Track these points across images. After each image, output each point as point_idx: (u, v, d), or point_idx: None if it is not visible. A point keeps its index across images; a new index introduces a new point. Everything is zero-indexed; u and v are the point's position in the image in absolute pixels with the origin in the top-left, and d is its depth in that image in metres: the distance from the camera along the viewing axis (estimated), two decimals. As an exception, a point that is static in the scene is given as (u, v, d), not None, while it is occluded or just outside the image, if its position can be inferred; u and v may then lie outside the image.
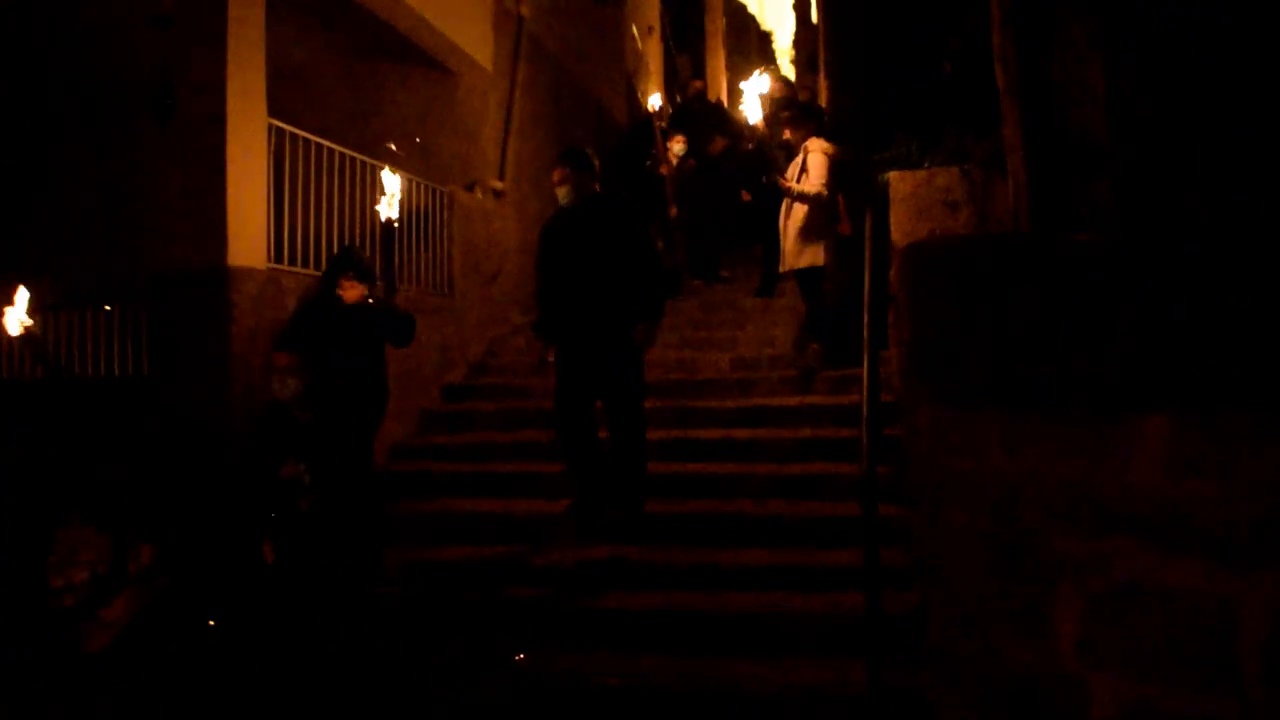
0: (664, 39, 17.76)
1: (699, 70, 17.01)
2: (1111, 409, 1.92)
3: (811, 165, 6.85)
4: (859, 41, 7.94)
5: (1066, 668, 1.98)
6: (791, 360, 7.37)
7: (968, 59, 5.48)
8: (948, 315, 2.44)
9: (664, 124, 9.66)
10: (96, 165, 5.90)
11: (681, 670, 4.19)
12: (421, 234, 7.68)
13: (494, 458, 6.56)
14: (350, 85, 9.19)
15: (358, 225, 6.50)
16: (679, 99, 14.00)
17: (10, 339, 4.66)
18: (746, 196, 9.18)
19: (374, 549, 5.31)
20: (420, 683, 4.35)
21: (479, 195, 8.87)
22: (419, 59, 8.87)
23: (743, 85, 6.68)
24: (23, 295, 4.52)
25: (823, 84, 9.65)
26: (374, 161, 6.87)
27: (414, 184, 7.41)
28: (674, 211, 9.23)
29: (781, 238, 7.09)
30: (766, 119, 7.79)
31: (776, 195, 7.08)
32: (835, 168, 6.84)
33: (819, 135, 7.00)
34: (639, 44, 15.14)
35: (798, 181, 6.87)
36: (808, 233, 6.85)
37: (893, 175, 6.05)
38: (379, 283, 5.31)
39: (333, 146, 6.58)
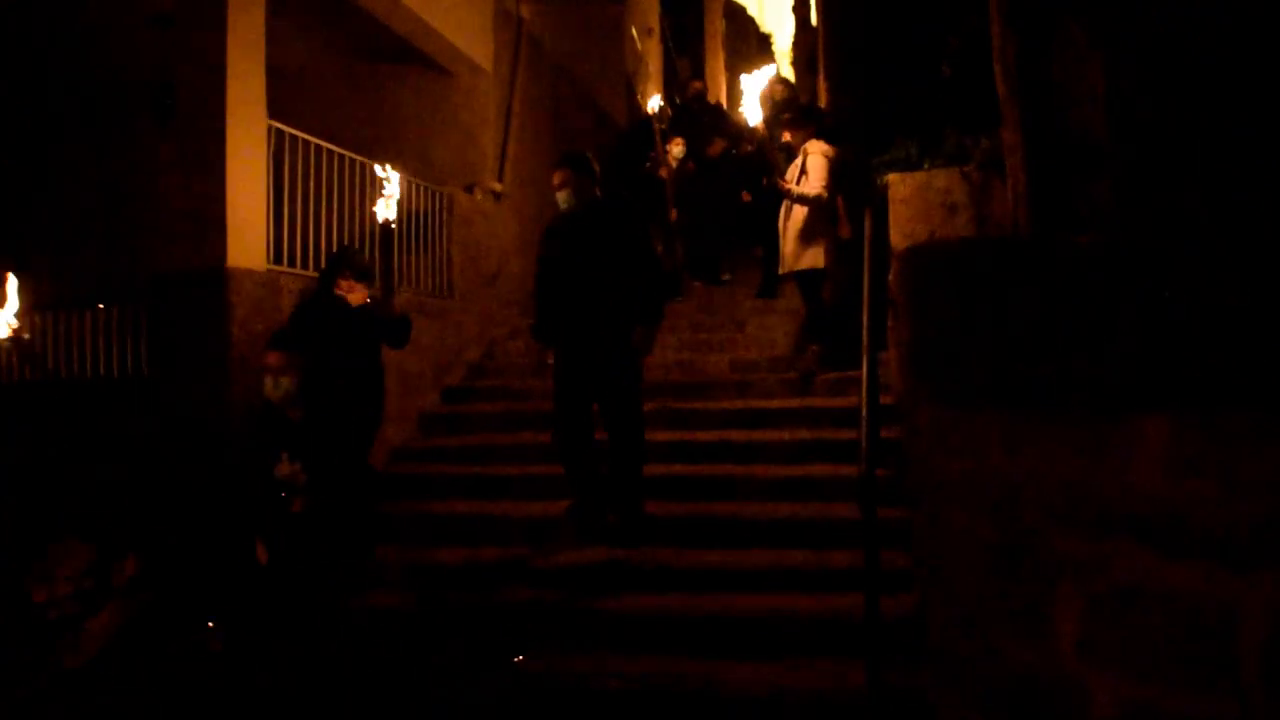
0: (664, 41, 17.76)
1: (699, 72, 17.00)
2: (1111, 409, 1.92)
3: (811, 167, 6.85)
4: (858, 43, 7.95)
5: (1066, 668, 1.98)
6: (791, 362, 7.36)
7: (967, 60, 5.49)
8: (947, 316, 2.44)
9: (664, 125, 9.66)
10: (96, 165, 5.91)
11: (681, 671, 4.18)
12: (421, 236, 7.68)
13: (494, 459, 6.56)
14: (349, 86, 9.19)
15: (357, 226, 6.50)
16: (678, 100, 13.98)
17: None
18: (747, 197, 9.17)
19: (367, 549, 5.31)
20: (420, 683, 4.35)
21: (478, 197, 8.87)
22: (418, 60, 8.87)
23: (743, 78, 6.67)
24: (12, 297, 4.51)
25: (822, 86, 9.65)
26: (374, 163, 6.86)
27: (413, 185, 7.41)
28: (674, 214, 9.23)
29: (781, 239, 7.09)
30: (767, 121, 7.79)
31: (776, 197, 7.08)
32: (835, 170, 6.83)
33: (819, 137, 7.00)
34: (639, 45, 15.14)
35: (797, 183, 6.87)
36: (807, 235, 6.84)
37: (892, 177, 6.06)
38: (376, 283, 5.31)
39: (332, 148, 6.58)
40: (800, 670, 4.09)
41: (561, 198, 5.35)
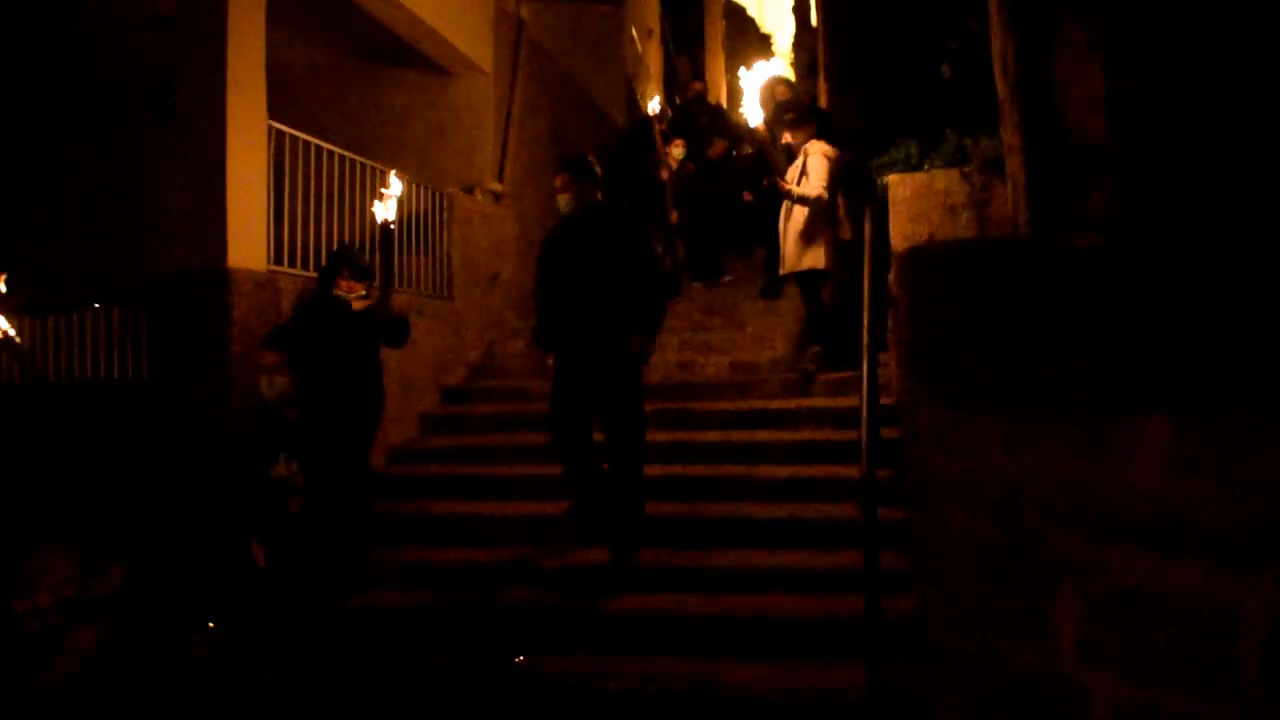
0: (664, 41, 17.77)
1: (698, 72, 17.01)
2: (1111, 409, 1.92)
3: (812, 168, 6.85)
4: (858, 44, 7.95)
5: (1066, 669, 1.98)
6: (791, 363, 7.36)
7: (967, 61, 5.49)
8: (947, 316, 2.44)
9: (664, 127, 9.66)
10: (96, 166, 5.91)
11: (681, 672, 4.18)
12: (421, 236, 7.68)
13: (493, 460, 6.56)
14: (349, 87, 9.20)
15: (357, 227, 6.50)
16: (678, 101, 13.98)
17: None
18: (748, 198, 9.18)
19: (366, 549, 5.31)
20: (420, 683, 4.35)
21: (478, 197, 8.87)
22: (418, 61, 8.88)
23: (741, 72, 6.67)
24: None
25: (822, 86, 9.65)
26: (373, 164, 6.87)
27: (413, 186, 7.41)
28: (674, 216, 9.23)
29: (781, 240, 7.09)
30: (768, 121, 7.79)
31: (777, 197, 7.08)
32: (836, 170, 6.83)
33: (819, 138, 7.00)
34: (638, 46, 15.15)
35: (798, 184, 6.87)
36: (808, 235, 6.84)
37: (892, 178, 6.07)
38: (375, 283, 5.30)
39: (332, 148, 6.58)
40: (800, 671, 4.10)
41: (562, 201, 5.33)
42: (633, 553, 5.03)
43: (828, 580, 4.67)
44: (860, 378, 4.06)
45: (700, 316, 8.78)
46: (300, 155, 6.26)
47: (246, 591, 4.73)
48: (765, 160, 7.11)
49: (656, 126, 9.35)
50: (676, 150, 9.63)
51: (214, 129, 5.58)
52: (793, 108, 8.33)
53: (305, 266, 6.18)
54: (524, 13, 10.11)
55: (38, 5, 6.05)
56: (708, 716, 4.03)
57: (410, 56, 8.78)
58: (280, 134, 6.08)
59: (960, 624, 2.39)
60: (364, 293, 5.30)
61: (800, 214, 6.86)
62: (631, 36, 14.56)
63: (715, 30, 20.19)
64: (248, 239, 5.72)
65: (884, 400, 5.00)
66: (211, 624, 4.72)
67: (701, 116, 10.63)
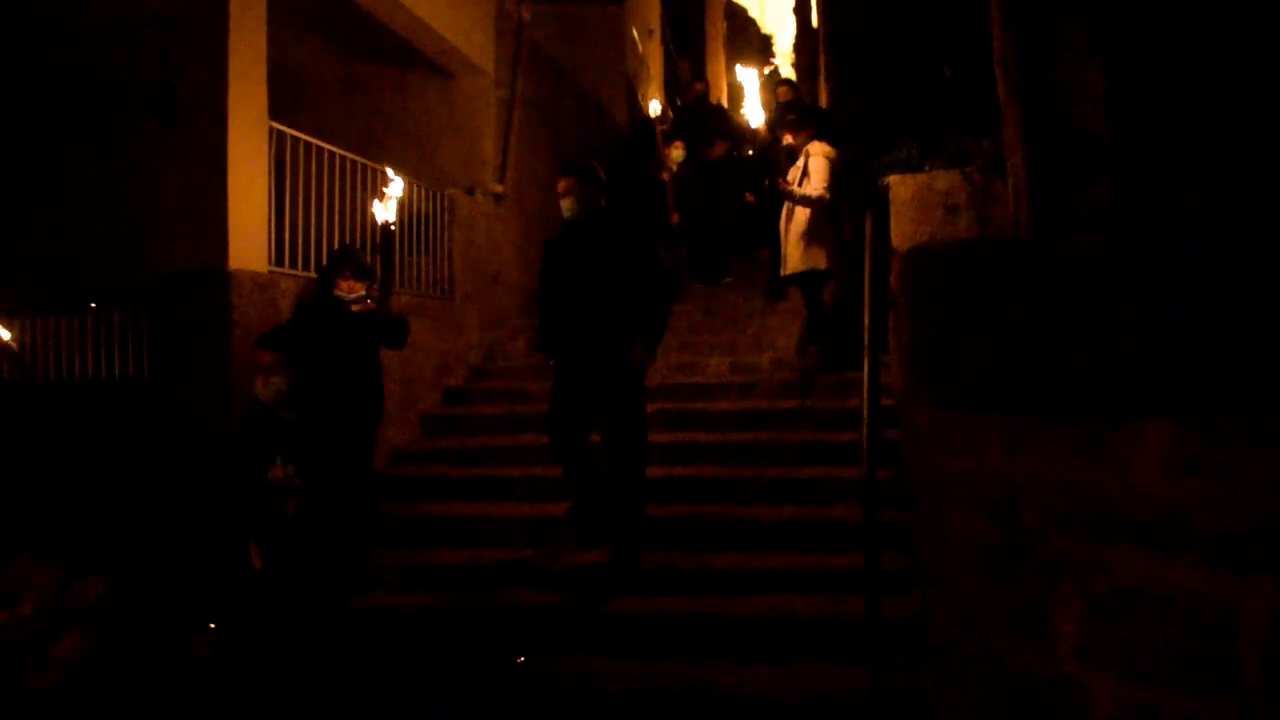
0: (664, 42, 17.77)
1: (699, 73, 17.02)
2: (1111, 410, 1.92)
3: (813, 169, 6.84)
4: (859, 44, 7.94)
5: (1066, 669, 1.98)
6: (792, 364, 7.36)
7: (968, 61, 5.48)
8: (948, 317, 2.44)
9: (665, 128, 9.66)
10: (97, 166, 5.91)
11: (681, 673, 4.18)
12: (422, 237, 7.68)
13: (494, 461, 6.55)
14: (351, 88, 9.20)
15: (358, 228, 6.50)
16: (679, 102, 13.99)
17: None
18: (750, 198, 9.18)
19: (367, 550, 5.31)
20: (420, 683, 4.34)
21: (479, 198, 8.87)
22: (419, 62, 8.88)
23: (738, 68, 6.67)
24: None
25: (823, 87, 9.65)
26: (374, 164, 6.87)
27: (414, 187, 7.41)
28: (675, 218, 9.23)
29: (782, 241, 7.09)
30: (770, 123, 7.79)
31: (778, 198, 7.08)
32: (836, 171, 6.83)
33: (820, 139, 7.00)
34: (639, 47, 15.15)
35: (799, 185, 6.86)
36: (808, 236, 6.84)
37: (893, 179, 6.05)
38: (375, 284, 5.30)
39: (333, 149, 6.58)
40: (801, 671, 4.09)
41: (566, 206, 5.30)
42: (633, 553, 5.03)
43: (828, 581, 4.67)
44: (861, 379, 4.06)
45: (701, 317, 8.78)
46: (301, 156, 6.26)
47: (244, 593, 4.72)
48: (766, 161, 7.11)
49: (658, 128, 9.35)
50: (676, 152, 9.64)
51: (215, 129, 5.58)
52: (794, 108, 8.34)
53: (306, 267, 6.18)
54: (525, 14, 10.10)
55: (38, 5, 6.05)
56: (708, 717, 4.02)
57: (411, 57, 8.78)
58: (281, 135, 6.08)
59: (960, 624, 2.39)
60: (364, 293, 5.29)
61: (801, 215, 6.87)
62: (632, 37, 14.56)
63: (716, 31, 20.19)
64: (248, 240, 5.71)
65: (885, 401, 4.99)
66: (212, 625, 4.72)
67: (704, 117, 10.64)
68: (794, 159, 7.11)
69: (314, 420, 4.92)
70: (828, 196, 6.76)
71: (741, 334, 8.27)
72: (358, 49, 8.78)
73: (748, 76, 6.73)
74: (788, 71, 19.14)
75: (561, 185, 5.32)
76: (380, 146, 8.39)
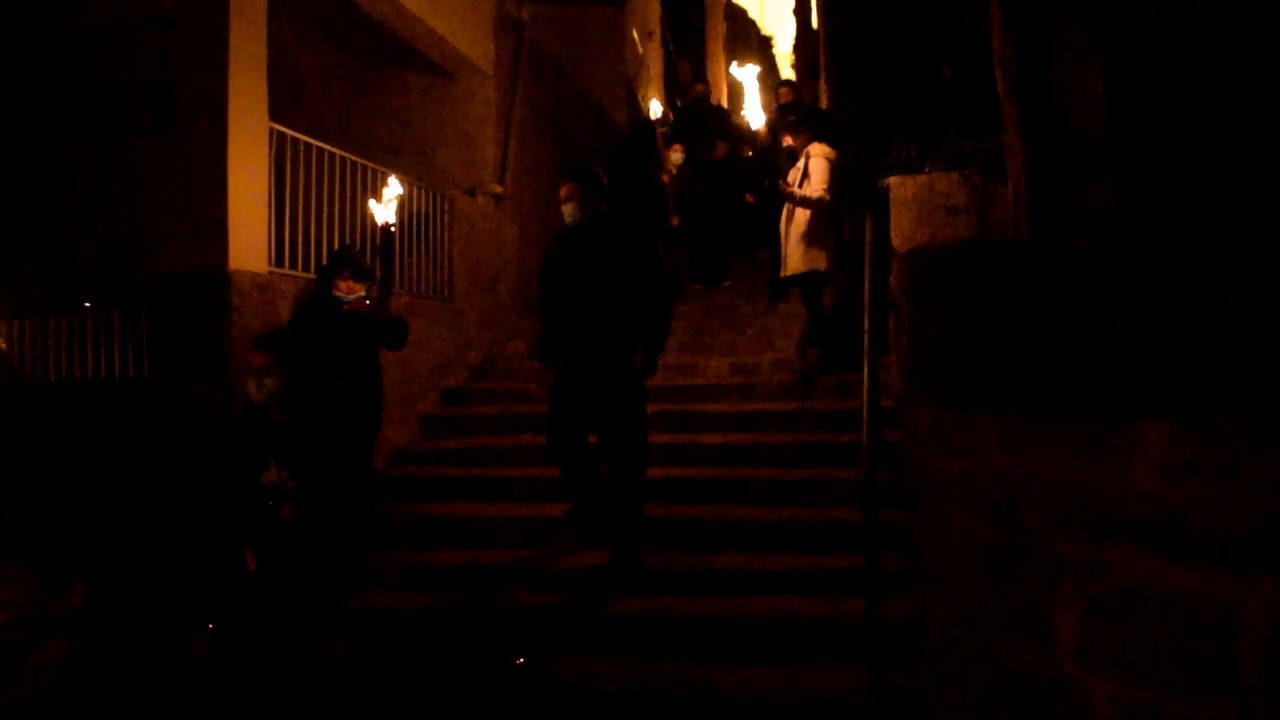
0: (664, 43, 17.78)
1: (699, 74, 17.01)
2: (1111, 410, 1.92)
3: (813, 170, 6.85)
4: (859, 46, 7.95)
5: (1066, 669, 1.98)
6: (792, 365, 7.36)
7: (968, 62, 5.48)
8: (948, 318, 2.44)
9: (666, 130, 9.67)
10: (97, 167, 5.91)
11: (681, 674, 4.18)
12: (422, 238, 7.68)
13: (494, 462, 6.55)
14: (351, 89, 9.21)
15: (358, 229, 6.50)
16: (679, 103, 13.99)
17: None
18: (750, 199, 9.18)
19: (366, 550, 5.30)
20: (420, 683, 4.34)
21: (479, 199, 8.87)
22: (419, 63, 8.88)
23: (733, 68, 6.68)
24: None
25: (823, 88, 9.65)
26: (374, 165, 6.88)
27: (414, 188, 7.41)
28: (675, 221, 9.24)
29: (782, 242, 7.09)
30: (770, 124, 7.79)
31: (779, 199, 7.08)
32: (836, 172, 6.83)
33: (820, 140, 7.00)
34: (639, 48, 15.15)
35: (799, 186, 6.87)
36: (809, 237, 6.84)
37: (893, 180, 6.06)
38: (374, 285, 5.30)
39: (333, 150, 6.58)
40: (801, 671, 4.09)
41: (567, 211, 5.27)
42: (633, 554, 5.03)
43: (828, 582, 4.67)
44: (861, 380, 4.06)
45: (701, 318, 8.78)
46: (301, 157, 6.26)
47: (243, 595, 4.71)
48: (766, 162, 7.11)
49: (658, 130, 9.36)
50: (675, 155, 9.64)
51: (215, 131, 5.58)
52: (794, 110, 8.34)
53: (306, 268, 6.18)
54: (525, 15, 10.11)
55: (38, 5, 6.05)
56: (708, 717, 4.02)
57: (411, 58, 8.78)
58: (281, 136, 6.08)
59: (960, 624, 2.39)
60: (362, 294, 5.29)
61: (802, 216, 6.87)
62: (632, 38, 14.57)
63: (716, 32, 20.17)
64: (248, 240, 5.72)
65: (885, 402, 4.99)
66: (210, 625, 4.71)
67: (704, 119, 10.64)
68: (794, 160, 7.11)
69: (312, 421, 4.90)
70: (828, 198, 6.76)
71: (741, 335, 8.28)
72: (358, 50, 8.78)
73: (746, 74, 6.73)
74: (787, 73, 19.16)
75: (563, 190, 5.29)
76: (380, 147, 8.40)
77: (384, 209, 5.16)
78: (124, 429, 5.62)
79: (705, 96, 11.50)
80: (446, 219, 8.05)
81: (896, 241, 5.95)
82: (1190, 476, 1.76)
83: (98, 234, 5.87)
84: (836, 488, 5.52)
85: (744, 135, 9.81)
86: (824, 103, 9.33)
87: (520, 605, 4.87)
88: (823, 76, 9.63)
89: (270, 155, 5.97)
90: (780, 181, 6.96)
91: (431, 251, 7.83)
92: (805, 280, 6.99)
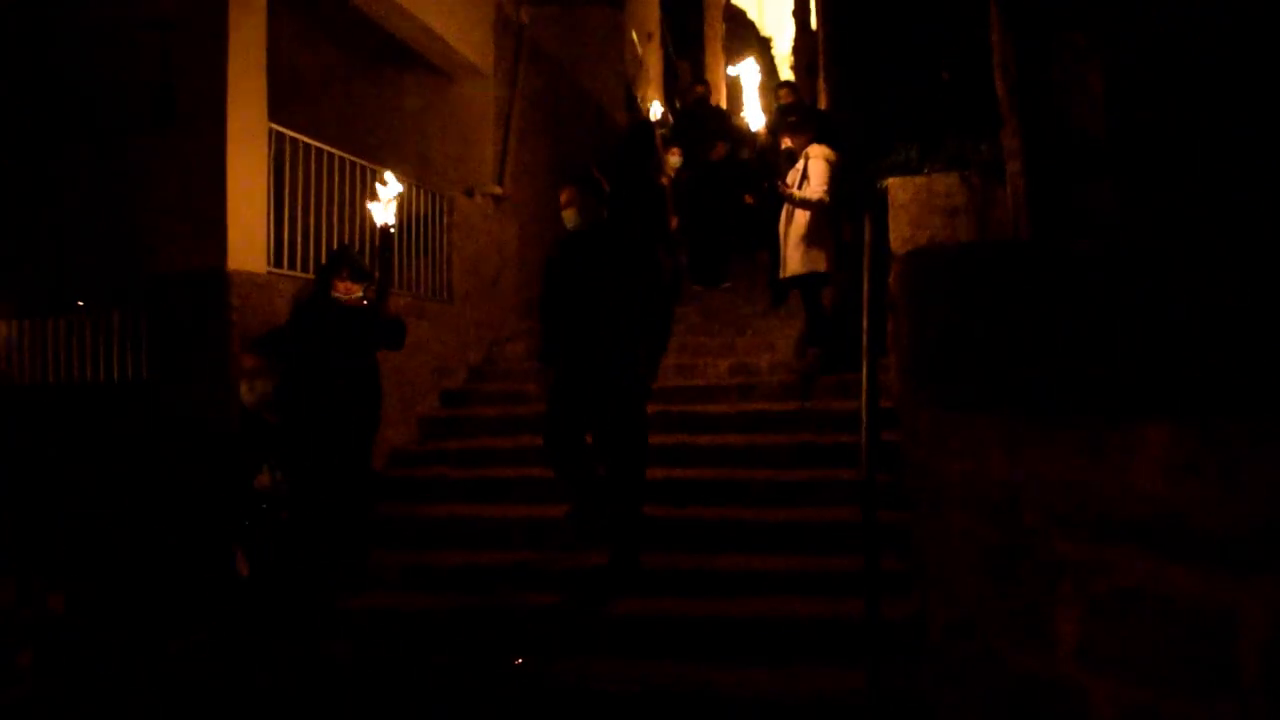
0: (664, 44, 17.77)
1: (699, 75, 17.01)
2: (1111, 410, 1.92)
3: (812, 171, 6.85)
4: (858, 47, 7.95)
5: (1065, 670, 1.98)
6: (791, 366, 7.36)
7: (967, 64, 5.48)
8: (948, 319, 2.44)
9: (665, 132, 9.67)
10: (97, 167, 5.91)
11: (681, 674, 4.17)
12: (421, 239, 7.67)
13: (493, 463, 6.55)
14: (350, 89, 9.20)
15: (357, 229, 6.50)
16: (678, 104, 13.98)
17: None
18: (750, 200, 9.18)
19: (365, 551, 5.30)
20: (420, 683, 4.34)
21: (478, 200, 8.87)
22: (419, 64, 8.88)
23: (728, 69, 6.70)
24: None
25: (822, 90, 9.65)
26: (373, 166, 6.87)
27: (413, 189, 7.41)
28: (674, 223, 9.24)
29: (782, 244, 7.09)
30: (770, 126, 7.79)
31: (778, 201, 7.08)
32: (836, 174, 6.83)
33: (819, 141, 7.00)
34: (638, 49, 15.15)
35: (799, 188, 6.87)
36: (809, 239, 6.84)
37: (892, 181, 6.06)
38: (372, 285, 5.30)
39: (333, 151, 6.58)
40: (801, 672, 4.09)
41: (568, 216, 5.25)
42: (633, 555, 5.02)
43: (827, 583, 4.67)
44: (860, 381, 4.06)
45: (700, 319, 8.78)
46: (300, 157, 6.26)
47: (235, 598, 4.71)
48: (766, 163, 7.11)
49: (658, 131, 9.35)
50: (673, 159, 9.63)
51: (214, 131, 5.59)
52: (794, 111, 8.34)
53: (305, 269, 6.18)
54: (524, 16, 10.11)
55: (38, 5, 6.05)
56: (708, 717, 4.02)
57: (411, 59, 8.78)
58: (280, 136, 6.08)
59: (960, 625, 2.39)
60: (360, 294, 5.28)
61: (801, 217, 6.87)
62: (631, 39, 14.56)
63: (715, 33, 20.17)
64: (247, 241, 5.72)
65: (884, 403, 4.99)
66: (210, 626, 4.71)
67: (704, 120, 10.64)
68: (793, 161, 7.12)
69: (310, 422, 4.90)
70: (827, 199, 6.76)
71: (741, 336, 8.28)
72: (357, 50, 8.78)
73: (745, 70, 6.72)
74: (786, 74, 19.15)
75: (564, 196, 5.27)
76: (380, 148, 8.38)
77: (383, 210, 5.16)
78: (124, 429, 5.62)
79: (705, 97, 11.49)
80: (446, 219, 8.04)
81: (895, 243, 5.95)
82: (1190, 476, 1.76)
83: (97, 234, 5.87)
84: (836, 488, 5.51)
85: (744, 136, 9.80)
86: (823, 104, 9.33)
87: (520, 606, 4.86)
88: (822, 77, 9.63)
89: (270, 155, 5.97)
90: (779, 183, 6.97)
91: (431, 252, 7.83)
92: (804, 281, 6.99)
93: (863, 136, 7.29)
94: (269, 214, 5.95)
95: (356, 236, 6.47)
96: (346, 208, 6.63)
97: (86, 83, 5.93)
